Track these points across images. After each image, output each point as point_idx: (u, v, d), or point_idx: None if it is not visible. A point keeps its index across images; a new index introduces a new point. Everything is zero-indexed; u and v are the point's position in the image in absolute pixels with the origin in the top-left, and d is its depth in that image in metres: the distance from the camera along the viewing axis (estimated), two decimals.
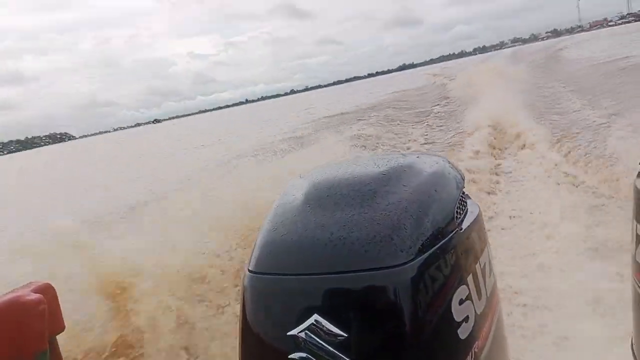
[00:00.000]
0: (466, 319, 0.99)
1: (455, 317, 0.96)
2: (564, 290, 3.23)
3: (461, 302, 0.99)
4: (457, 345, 0.96)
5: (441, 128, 11.17)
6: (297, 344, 0.92)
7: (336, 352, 0.89)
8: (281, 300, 0.97)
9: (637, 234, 1.18)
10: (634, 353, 1.28)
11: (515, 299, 3.20)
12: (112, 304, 3.09)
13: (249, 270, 1.03)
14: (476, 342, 1.02)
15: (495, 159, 7.05)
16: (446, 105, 15.51)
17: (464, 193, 1.26)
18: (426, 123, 12.36)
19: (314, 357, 0.91)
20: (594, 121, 8.13)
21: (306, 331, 0.91)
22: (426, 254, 0.94)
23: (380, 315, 0.89)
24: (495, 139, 8.45)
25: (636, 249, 1.19)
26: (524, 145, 7.52)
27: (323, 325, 0.90)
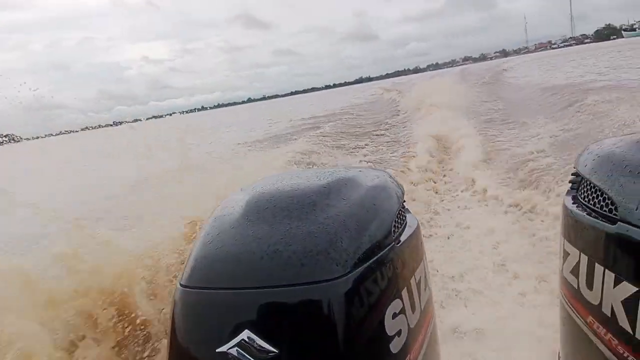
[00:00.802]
0: (399, 333, 0.99)
1: (388, 331, 0.96)
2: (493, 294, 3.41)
3: (395, 315, 0.99)
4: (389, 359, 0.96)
5: (388, 143, 11.47)
6: None
7: None
8: (212, 316, 0.94)
9: (564, 250, 1.20)
10: None
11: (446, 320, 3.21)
12: None
13: (180, 284, 1.00)
14: (408, 356, 1.02)
15: (437, 175, 7.33)
16: (394, 119, 15.96)
17: (403, 207, 1.28)
18: (374, 137, 12.65)
19: None
20: (532, 138, 8.67)
21: (237, 348, 0.89)
22: (361, 268, 0.94)
23: (312, 330, 0.89)
24: (437, 154, 8.78)
25: (563, 265, 1.20)
26: (465, 163, 7.83)
27: (254, 342, 0.88)
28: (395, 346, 0.98)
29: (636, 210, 0.93)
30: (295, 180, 1.19)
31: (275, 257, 0.93)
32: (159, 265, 3.49)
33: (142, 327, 3.01)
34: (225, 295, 0.94)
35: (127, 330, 2.95)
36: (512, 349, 2.79)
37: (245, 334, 0.89)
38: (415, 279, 1.14)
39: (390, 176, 1.33)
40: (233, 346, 0.89)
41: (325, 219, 1.00)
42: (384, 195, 1.19)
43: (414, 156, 8.68)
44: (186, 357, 0.96)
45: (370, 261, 0.97)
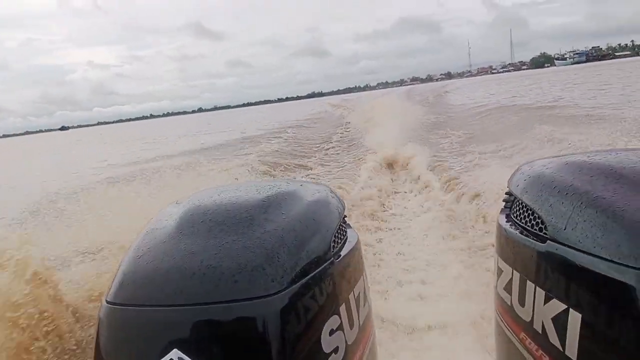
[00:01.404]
0: (336, 350, 0.97)
1: (324, 348, 0.94)
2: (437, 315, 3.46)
3: (332, 332, 0.97)
4: None
5: (335, 158, 11.61)
6: None
7: None
8: (139, 334, 0.89)
9: (498, 267, 1.21)
10: None
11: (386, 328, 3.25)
12: None
13: (106, 301, 0.94)
14: None
15: (383, 191, 7.48)
16: (342, 136, 16.21)
17: (344, 222, 1.26)
18: (323, 152, 12.76)
19: None
20: (474, 158, 9.07)
21: None
22: (298, 284, 0.91)
23: (245, 348, 0.85)
24: (385, 168, 9.04)
25: (497, 282, 1.21)
26: (411, 178, 8.10)
27: None
28: None
29: (564, 229, 0.95)
30: (234, 193, 1.15)
31: (207, 273, 0.89)
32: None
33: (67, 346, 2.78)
34: (154, 312, 0.88)
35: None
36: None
37: (174, 354, 0.84)
38: (354, 295, 1.12)
39: (332, 191, 1.32)
40: None
41: (262, 233, 0.96)
42: (324, 210, 1.17)
43: (360, 170, 8.86)
44: None
45: (308, 277, 0.94)
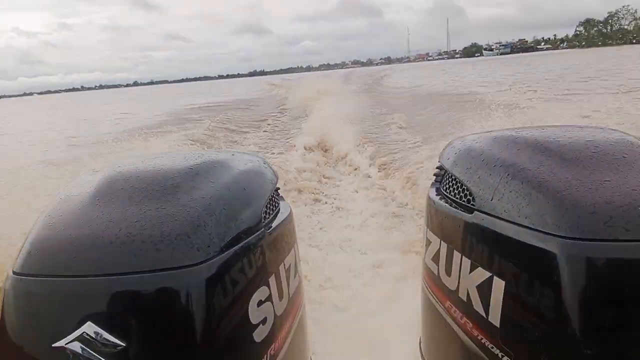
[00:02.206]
0: (264, 321, 0.95)
1: (252, 319, 0.91)
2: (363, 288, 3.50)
3: (260, 303, 0.94)
4: (251, 349, 0.91)
5: (273, 137, 11.47)
6: (66, 358, 0.78)
7: None
8: (50, 307, 0.81)
9: (427, 239, 1.23)
10: (421, 353, 1.33)
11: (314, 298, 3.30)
12: None
13: (13, 271, 0.86)
14: (273, 345, 0.98)
15: (320, 170, 7.53)
16: (281, 116, 16.04)
17: (277, 193, 1.23)
18: (261, 131, 12.55)
19: None
20: (406, 140, 9.35)
21: (77, 342, 0.78)
22: (226, 254, 0.87)
23: (168, 320, 0.80)
24: (321, 150, 9.09)
25: (425, 253, 1.23)
26: (346, 159, 8.23)
27: (98, 335, 0.78)
28: (259, 334, 0.93)
29: (491, 200, 0.96)
30: (159, 161, 1.09)
31: (127, 241, 0.83)
32: None
33: None
34: (65, 283, 0.81)
35: None
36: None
37: (88, 327, 0.78)
38: (284, 266, 1.09)
39: (265, 162, 1.27)
40: (72, 340, 0.78)
41: (188, 201, 0.91)
42: (255, 180, 1.12)
43: (295, 146, 8.87)
44: (19, 354, 0.83)
45: (237, 247, 0.90)
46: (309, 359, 1.33)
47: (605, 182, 0.85)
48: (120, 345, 0.78)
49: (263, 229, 1.02)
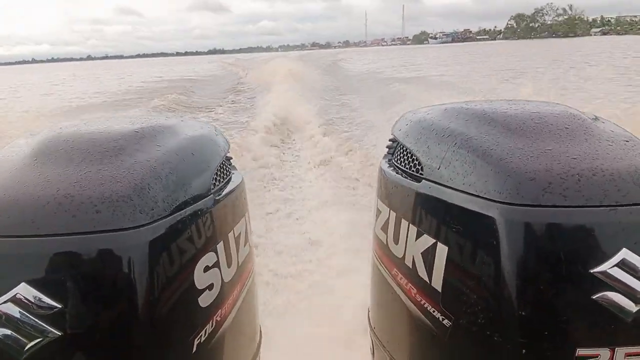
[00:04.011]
0: (210, 287, 0.91)
1: (197, 284, 0.88)
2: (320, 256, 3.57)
3: (207, 269, 0.91)
4: (196, 314, 0.88)
5: (231, 117, 11.22)
6: None
7: (47, 327, 0.73)
8: None
9: (377, 209, 1.22)
10: (369, 322, 1.32)
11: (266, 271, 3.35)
12: None
13: None
14: (219, 311, 0.95)
15: (279, 148, 7.47)
16: (237, 95, 15.71)
17: (229, 162, 1.19)
18: (218, 110, 12.22)
19: (19, 335, 0.73)
20: (365, 119, 9.42)
21: (10, 303, 0.73)
22: (170, 217, 0.83)
23: (108, 283, 0.76)
24: (278, 128, 9.01)
25: (375, 223, 1.22)
26: (304, 136, 8.19)
27: (33, 296, 0.73)
28: (204, 300, 0.90)
29: (438, 169, 0.95)
30: (104, 123, 1.02)
31: (64, 202, 0.77)
32: None
33: None
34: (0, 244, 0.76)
35: None
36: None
37: (21, 288, 0.73)
38: (234, 234, 1.05)
39: (216, 129, 1.22)
40: (5, 301, 0.73)
41: (132, 164, 0.86)
42: (205, 146, 1.07)
43: (255, 127, 8.72)
44: None
45: (182, 211, 0.86)
46: (257, 327, 1.30)
47: (547, 151, 0.86)
48: (56, 307, 0.73)
49: (212, 196, 0.98)
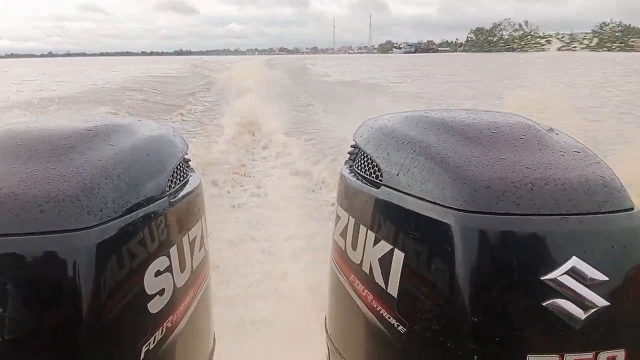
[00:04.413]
0: (161, 292, 0.88)
1: (147, 289, 0.84)
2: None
3: (158, 273, 0.87)
4: (145, 320, 0.84)
5: (193, 122, 10.95)
6: None
7: None
8: None
9: (337, 215, 1.21)
10: (326, 329, 1.30)
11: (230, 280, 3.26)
12: None
13: None
14: (170, 317, 0.91)
15: (245, 153, 7.36)
16: (202, 98, 15.44)
17: (186, 164, 1.16)
18: (180, 112, 11.88)
19: None
20: (328, 124, 9.47)
21: None
22: (121, 219, 0.79)
23: (52, 286, 0.72)
24: (246, 133, 8.89)
25: (335, 229, 1.21)
26: (270, 142, 8.09)
27: None
28: (155, 305, 0.86)
29: (397, 175, 0.95)
30: (55, 122, 0.99)
31: (7, 201, 0.73)
32: None
33: None
34: None
35: None
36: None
37: None
38: (188, 238, 1.02)
39: (174, 130, 1.18)
40: None
41: (82, 162, 0.82)
42: (162, 147, 1.04)
43: (222, 129, 8.57)
44: None
45: (134, 213, 0.83)
46: (211, 333, 1.26)
47: (502, 160, 0.86)
48: None
49: (166, 198, 0.94)
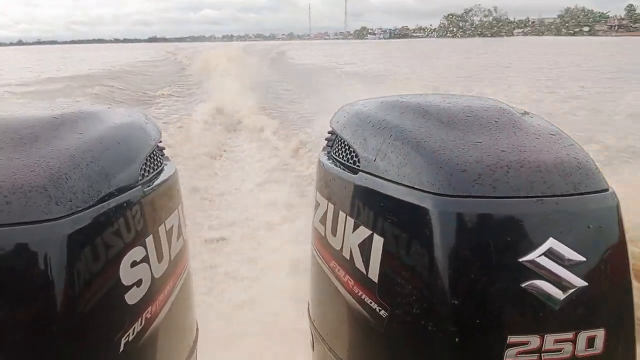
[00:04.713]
0: (138, 283, 0.86)
1: (124, 280, 0.82)
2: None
3: (134, 264, 0.85)
4: (122, 312, 0.82)
5: (170, 109, 10.70)
6: None
7: None
8: None
9: (316, 201, 1.21)
10: (309, 315, 1.31)
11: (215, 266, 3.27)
12: None
13: None
14: (149, 308, 0.89)
15: (220, 140, 7.27)
16: (178, 87, 15.13)
17: (160, 152, 1.12)
18: (156, 102, 11.61)
19: None
20: (308, 110, 9.41)
21: None
22: (92, 210, 0.77)
23: (21, 279, 0.69)
24: (222, 119, 8.76)
25: (314, 216, 1.21)
26: (248, 128, 8.01)
27: None
28: (132, 297, 0.84)
29: (374, 160, 0.94)
30: (19, 110, 0.95)
31: None
32: None
33: None
34: None
35: None
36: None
37: None
38: (165, 227, 0.99)
39: (146, 117, 1.15)
40: None
41: (48, 152, 0.79)
42: (133, 135, 1.00)
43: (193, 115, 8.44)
44: None
45: (105, 203, 0.80)
46: (194, 323, 1.24)
47: (477, 143, 0.86)
48: None
49: (140, 187, 0.91)
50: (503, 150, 0.84)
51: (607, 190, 0.83)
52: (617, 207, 0.82)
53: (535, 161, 0.82)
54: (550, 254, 0.75)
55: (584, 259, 0.76)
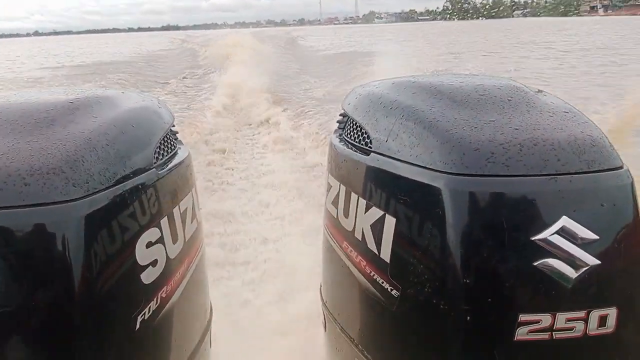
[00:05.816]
0: (154, 263, 0.86)
1: (139, 260, 0.82)
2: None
3: (150, 245, 0.85)
4: (138, 291, 0.82)
5: (184, 96, 10.61)
6: None
7: None
8: None
9: (328, 183, 1.20)
10: (321, 296, 1.31)
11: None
12: None
13: None
14: (164, 287, 0.89)
15: (237, 130, 7.20)
16: (191, 76, 14.99)
17: (174, 135, 1.12)
18: (170, 89, 11.48)
19: None
20: (323, 96, 9.26)
21: None
22: (107, 191, 0.76)
23: (40, 259, 0.69)
24: (234, 108, 8.65)
25: (326, 197, 1.20)
26: (264, 119, 7.91)
27: None
28: (147, 276, 0.84)
29: (386, 141, 0.92)
30: (37, 95, 0.95)
31: None
32: None
33: None
34: None
35: None
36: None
37: None
38: (179, 209, 0.99)
39: (159, 101, 1.14)
40: None
41: (65, 135, 0.78)
42: (147, 118, 1.00)
43: (211, 102, 8.35)
44: None
45: (121, 185, 0.80)
46: (208, 303, 1.25)
47: (490, 122, 0.84)
48: None
49: (154, 169, 0.91)
50: (516, 129, 0.81)
51: (621, 167, 0.80)
52: (632, 184, 0.79)
53: (549, 139, 0.80)
54: (564, 232, 0.73)
55: (597, 237, 0.74)
